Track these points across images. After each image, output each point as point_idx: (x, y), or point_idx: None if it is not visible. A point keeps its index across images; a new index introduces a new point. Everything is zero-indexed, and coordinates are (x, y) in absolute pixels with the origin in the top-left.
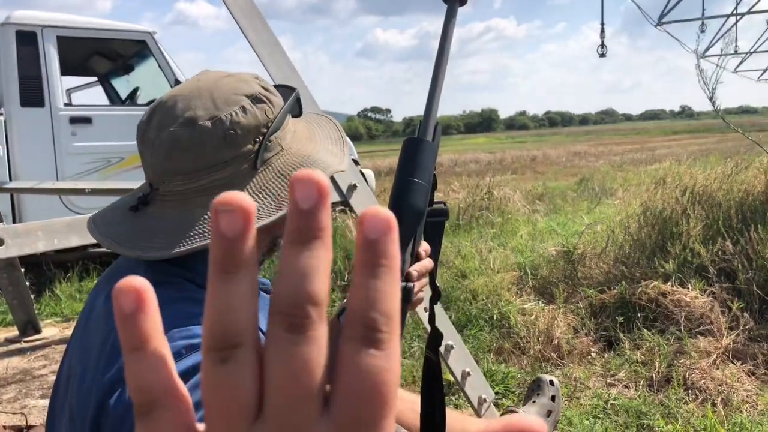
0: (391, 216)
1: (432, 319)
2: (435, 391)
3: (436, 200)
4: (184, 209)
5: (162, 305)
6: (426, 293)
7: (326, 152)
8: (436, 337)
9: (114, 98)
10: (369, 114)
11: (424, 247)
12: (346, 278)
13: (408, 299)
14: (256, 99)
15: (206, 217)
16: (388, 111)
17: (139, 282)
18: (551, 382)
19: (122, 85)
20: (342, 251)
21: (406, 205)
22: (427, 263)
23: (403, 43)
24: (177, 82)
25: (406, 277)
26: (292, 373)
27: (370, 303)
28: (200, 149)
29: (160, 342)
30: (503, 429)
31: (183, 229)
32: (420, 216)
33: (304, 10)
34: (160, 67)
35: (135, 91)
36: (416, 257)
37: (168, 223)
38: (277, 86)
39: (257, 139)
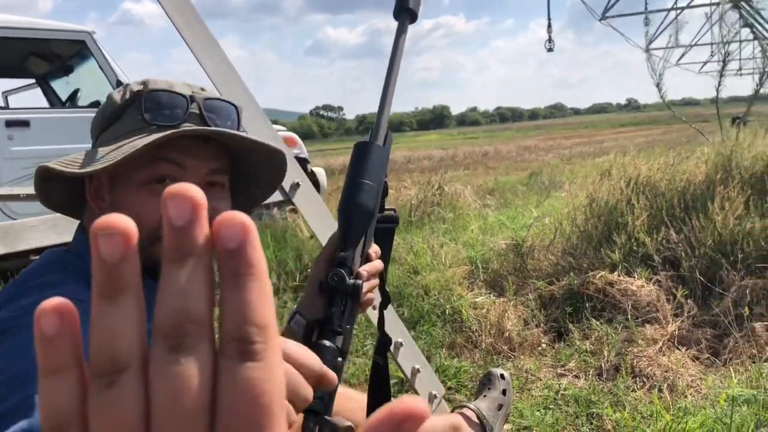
0: (247, 220)
1: (381, 323)
2: (382, 393)
3: (387, 207)
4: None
5: None
6: (377, 296)
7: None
8: (384, 342)
9: (53, 100)
10: (321, 112)
11: (375, 248)
12: (298, 279)
13: (357, 297)
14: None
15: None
16: (341, 109)
17: (60, 302)
18: (502, 376)
19: (62, 87)
20: (293, 251)
21: (355, 204)
22: (377, 264)
23: (354, 41)
24: (119, 82)
25: (356, 275)
26: (175, 393)
27: (241, 316)
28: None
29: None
30: (386, 415)
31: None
32: (369, 216)
33: (252, 9)
34: (100, 67)
35: (75, 92)
36: (366, 258)
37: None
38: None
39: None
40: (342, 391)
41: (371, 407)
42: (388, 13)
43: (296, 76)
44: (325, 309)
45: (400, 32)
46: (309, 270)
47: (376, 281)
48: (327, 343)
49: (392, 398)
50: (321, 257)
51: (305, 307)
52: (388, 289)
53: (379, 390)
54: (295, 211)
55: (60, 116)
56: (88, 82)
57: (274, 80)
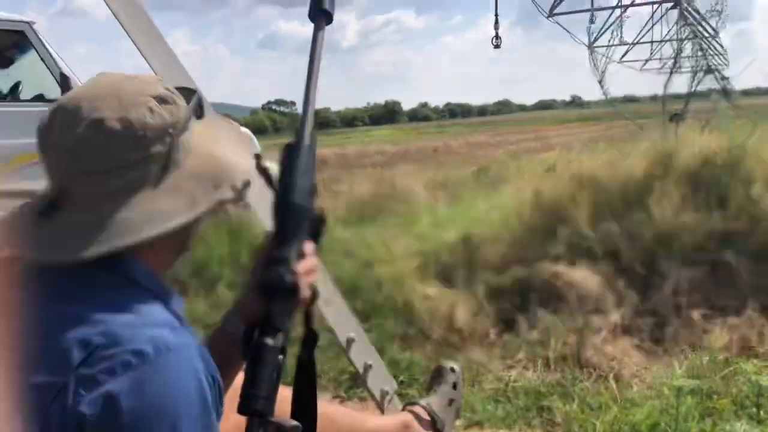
0: None
1: (309, 319)
2: (309, 390)
3: (316, 208)
4: (94, 212)
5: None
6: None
7: (232, 153)
8: (311, 338)
9: None
10: (273, 107)
11: (310, 246)
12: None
13: (295, 294)
14: (161, 100)
15: (117, 219)
16: (293, 103)
17: None
18: (452, 369)
19: (2, 80)
20: (248, 246)
21: (288, 203)
22: (313, 261)
23: (306, 34)
24: (62, 75)
25: (293, 273)
26: None
27: None
28: (109, 151)
29: None
30: None
31: (94, 232)
32: (303, 214)
33: (201, 1)
34: (42, 59)
35: (16, 85)
36: (301, 255)
37: (78, 227)
38: (178, 88)
39: (166, 140)
40: (282, 392)
41: (297, 406)
42: (339, 7)
43: (248, 70)
44: (265, 308)
45: (317, 32)
46: None
47: (316, 276)
48: (269, 341)
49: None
50: (257, 257)
51: (245, 309)
52: (331, 286)
53: (307, 388)
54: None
55: (1, 110)
56: (29, 75)
57: (225, 74)
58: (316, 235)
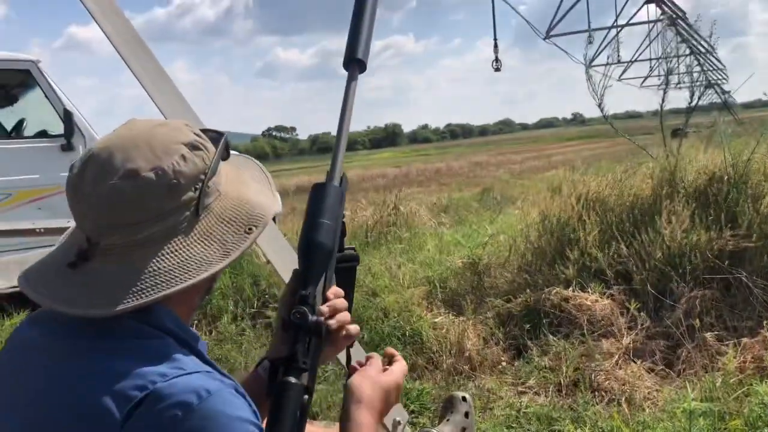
0: None
1: (348, 360)
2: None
3: (347, 246)
4: (127, 262)
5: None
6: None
7: (259, 194)
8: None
9: None
10: (274, 133)
11: (334, 290)
12: (255, 305)
13: (319, 333)
14: (193, 146)
15: (151, 269)
16: (293, 129)
17: None
18: (464, 398)
19: (6, 117)
20: (250, 278)
21: (314, 243)
22: (339, 301)
23: (305, 62)
24: (66, 111)
25: (318, 313)
26: None
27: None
28: (143, 201)
29: None
30: None
31: (128, 283)
32: (329, 253)
33: (201, 32)
34: (46, 96)
35: (20, 122)
36: (325, 299)
37: (112, 278)
38: (203, 131)
39: (196, 187)
40: (310, 429)
41: None
42: (338, 34)
43: (248, 98)
44: (290, 346)
45: (350, 80)
46: (266, 296)
47: (346, 316)
48: (292, 380)
49: None
50: (284, 297)
51: (274, 349)
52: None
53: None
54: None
55: (6, 147)
56: (33, 112)
57: (225, 103)
58: (348, 274)
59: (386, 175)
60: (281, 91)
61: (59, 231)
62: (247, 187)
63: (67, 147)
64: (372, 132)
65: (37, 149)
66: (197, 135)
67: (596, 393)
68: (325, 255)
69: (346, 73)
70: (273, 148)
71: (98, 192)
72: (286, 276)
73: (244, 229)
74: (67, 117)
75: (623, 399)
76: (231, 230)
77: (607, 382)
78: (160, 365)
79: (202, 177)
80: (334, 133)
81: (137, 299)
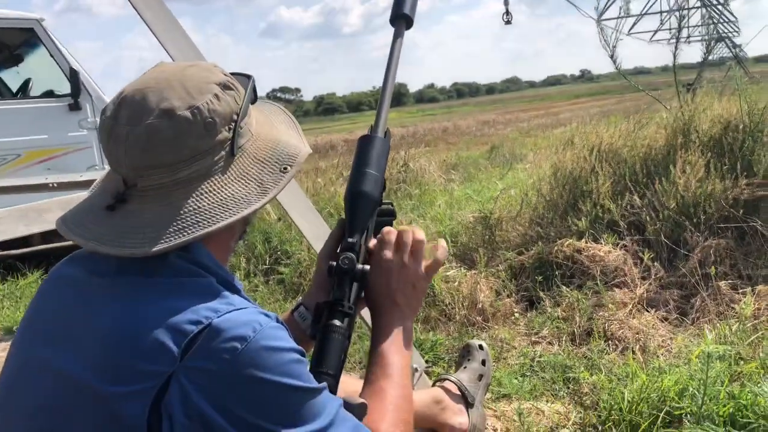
0: None
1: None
2: None
3: (384, 201)
4: (166, 203)
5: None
6: None
7: (289, 136)
8: None
9: (4, 92)
10: (278, 95)
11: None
12: (268, 261)
13: (364, 281)
14: (225, 86)
15: (191, 208)
16: (298, 90)
17: None
18: (480, 347)
19: (12, 78)
20: (261, 234)
21: (360, 192)
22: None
23: (309, 21)
24: (72, 71)
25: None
26: None
27: None
28: (181, 140)
29: None
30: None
31: (169, 222)
32: (374, 203)
33: None
34: (51, 56)
35: (27, 82)
36: (367, 249)
37: (152, 218)
38: (232, 73)
39: (230, 126)
40: (345, 377)
41: None
42: None
43: (252, 59)
44: (335, 291)
45: (397, 37)
46: (278, 252)
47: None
48: (338, 322)
49: None
50: (323, 252)
51: (311, 296)
52: None
53: None
54: None
55: (13, 107)
56: (39, 72)
57: (229, 64)
58: (386, 226)
59: (393, 134)
60: (285, 50)
61: (72, 185)
62: (277, 129)
63: (74, 106)
64: (377, 93)
65: (44, 109)
66: (227, 75)
67: (610, 342)
68: (371, 205)
69: (392, 29)
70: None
71: (135, 132)
72: (308, 232)
73: (280, 168)
74: (74, 76)
75: (637, 347)
76: (267, 169)
77: (620, 331)
78: (212, 302)
79: (235, 117)
80: (338, 93)
81: (180, 237)
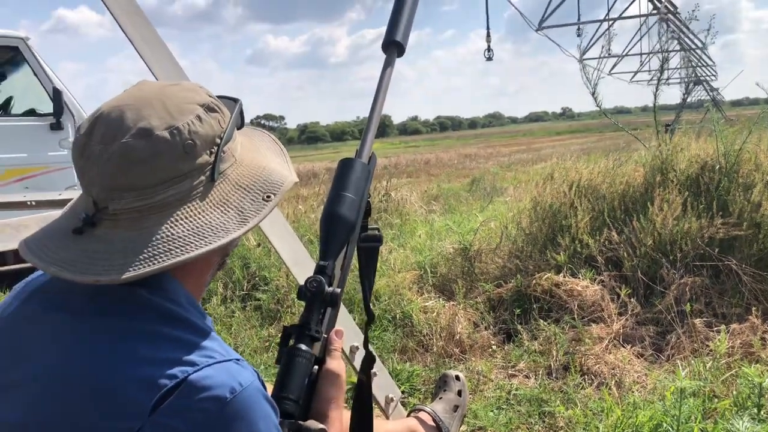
0: None
1: (366, 342)
2: (365, 410)
3: (369, 227)
4: (138, 228)
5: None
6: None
7: (275, 164)
8: (369, 359)
9: None
10: (262, 121)
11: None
12: (246, 287)
13: (335, 305)
14: (209, 108)
15: (164, 235)
16: (282, 118)
17: None
18: (457, 377)
19: None
20: (240, 260)
21: (336, 215)
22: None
23: (295, 50)
24: (55, 90)
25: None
26: None
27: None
28: (157, 162)
29: None
30: None
31: (140, 248)
32: (350, 227)
33: (191, 18)
34: (35, 74)
35: (8, 101)
36: (343, 273)
37: (122, 244)
38: (219, 96)
39: (212, 150)
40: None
41: (356, 425)
42: (328, 23)
43: (237, 86)
44: (303, 315)
45: (388, 64)
46: (256, 278)
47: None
48: (303, 347)
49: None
50: None
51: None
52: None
53: (362, 407)
54: None
55: None
56: (22, 90)
57: (214, 90)
58: (370, 254)
59: (376, 165)
60: (271, 78)
61: (50, 204)
62: (262, 155)
63: (56, 126)
64: (361, 123)
65: (25, 128)
66: (212, 97)
67: (586, 377)
68: (346, 228)
69: (384, 55)
70: None
71: (108, 151)
72: (288, 258)
73: (262, 196)
74: (57, 95)
75: (613, 382)
76: (249, 197)
77: (597, 366)
78: (190, 353)
79: (218, 141)
80: (322, 122)
81: (150, 265)
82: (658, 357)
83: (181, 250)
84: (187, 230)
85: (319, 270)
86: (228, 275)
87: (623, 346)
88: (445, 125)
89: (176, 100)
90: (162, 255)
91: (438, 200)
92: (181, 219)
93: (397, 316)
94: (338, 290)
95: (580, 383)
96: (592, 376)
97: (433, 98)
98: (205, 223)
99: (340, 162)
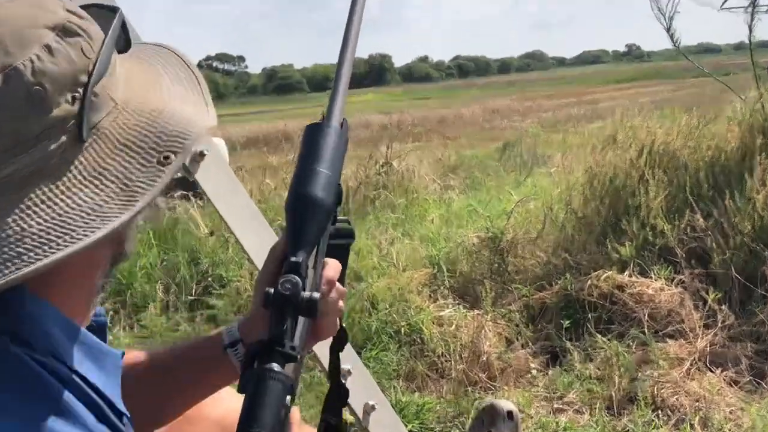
0: None
1: (335, 371)
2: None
3: (339, 218)
4: None
5: None
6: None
7: (181, 100)
8: (339, 395)
9: None
10: (215, 64)
11: (334, 264)
12: (194, 291)
13: (313, 313)
14: (65, 30)
15: (15, 229)
16: (242, 59)
17: None
18: (510, 414)
19: None
20: (186, 254)
21: (308, 197)
22: (339, 286)
23: None
24: None
25: (313, 288)
26: None
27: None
28: None
29: None
30: None
31: None
32: (327, 211)
33: None
34: None
35: None
36: (317, 272)
37: None
38: (84, 7)
39: (75, 95)
40: None
41: None
42: None
43: (180, 14)
44: (273, 326)
45: None
46: (208, 278)
47: (340, 304)
48: (276, 367)
49: None
50: (266, 266)
51: (247, 327)
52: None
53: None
54: (186, 198)
55: None
56: None
57: (149, 17)
58: (340, 254)
59: (370, 124)
60: (225, 5)
61: None
62: (162, 91)
63: None
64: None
65: None
66: (72, 12)
67: (660, 412)
68: (322, 213)
69: None
70: (214, 84)
71: None
72: (253, 250)
73: (157, 159)
74: None
75: (696, 419)
76: (136, 161)
77: (674, 397)
78: (51, 424)
79: (84, 79)
80: (296, 66)
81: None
82: (759, 385)
83: (36, 254)
84: (47, 221)
85: (291, 268)
86: (170, 275)
87: (711, 371)
88: (467, 69)
89: (16, 25)
90: (10, 262)
91: (457, 172)
92: (38, 204)
93: (402, 329)
94: (316, 295)
95: (652, 421)
96: (669, 411)
97: (450, 32)
98: (72, 208)
99: (306, 128)
